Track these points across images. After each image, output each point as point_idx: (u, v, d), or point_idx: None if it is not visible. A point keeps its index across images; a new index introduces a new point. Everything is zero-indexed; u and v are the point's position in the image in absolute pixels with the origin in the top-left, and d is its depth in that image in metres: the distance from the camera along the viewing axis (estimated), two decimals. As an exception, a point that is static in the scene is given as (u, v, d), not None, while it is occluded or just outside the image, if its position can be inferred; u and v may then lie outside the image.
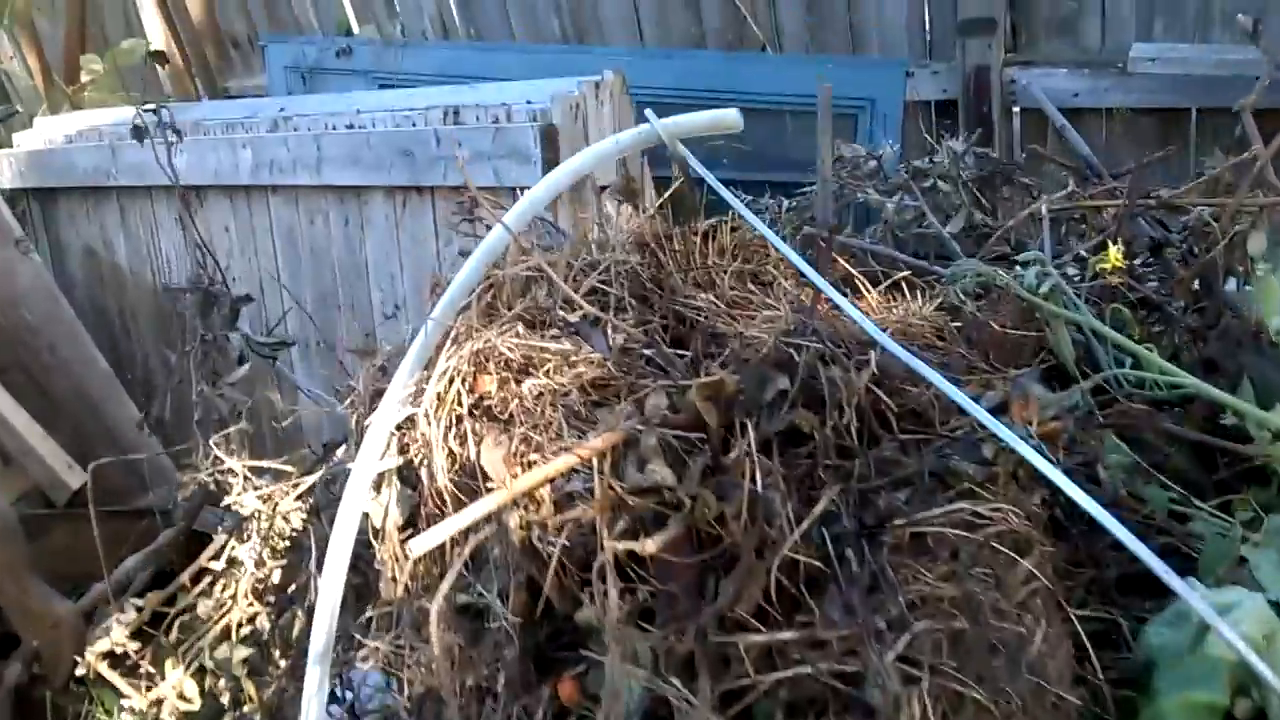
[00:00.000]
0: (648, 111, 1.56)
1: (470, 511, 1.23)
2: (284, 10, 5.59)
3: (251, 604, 1.73)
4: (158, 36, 5.47)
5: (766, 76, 4.41)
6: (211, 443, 1.82)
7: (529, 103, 3.47)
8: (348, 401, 1.69)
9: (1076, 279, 1.70)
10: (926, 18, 4.56)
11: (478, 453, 1.42)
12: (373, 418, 1.52)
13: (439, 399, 1.48)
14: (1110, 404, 1.60)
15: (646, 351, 1.46)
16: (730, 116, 1.56)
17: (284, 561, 1.72)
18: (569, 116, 3.40)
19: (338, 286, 4.00)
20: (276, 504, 1.76)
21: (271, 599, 1.74)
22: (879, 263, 1.85)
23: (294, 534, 1.74)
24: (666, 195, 1.71)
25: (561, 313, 1.52)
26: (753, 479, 1.21)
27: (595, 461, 1.25)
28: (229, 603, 1.75)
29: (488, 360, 1.48)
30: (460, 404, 1.47)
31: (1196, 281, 1.72)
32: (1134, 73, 4.15)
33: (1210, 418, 1.61)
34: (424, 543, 1.27)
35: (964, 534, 1.20)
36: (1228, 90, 4.13)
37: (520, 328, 1.48)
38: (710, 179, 1.51)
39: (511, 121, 3.47)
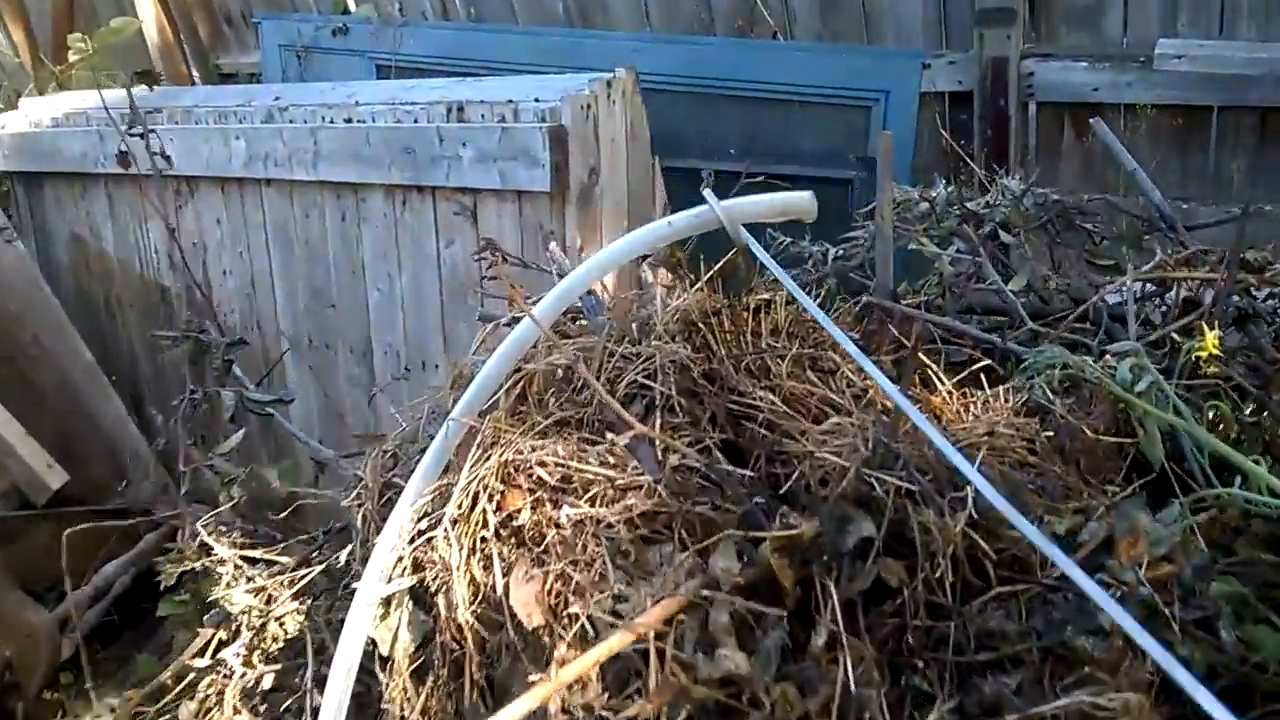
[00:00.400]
0: (707, 192, 1.33)
1: (509, 712, 1.02)
2: (278, -16, 5.30)
3: (238, 710, 1.52)
4: (149, 12, 5.16)
5: (777, 65, 4.16)
6: (200, 525, 1.60)
7: (537, 101, 3.22)
8: (353, 495, 1.47)
9: (1163, 363, 1.49)
10: (943, 6, 4.30)
11: (505, 585, 1.21)
12: (380, 536, 1.30)
13: (461, 515, 1.26)
14: (1199, 508, 1.40)
15: (699, 464, 1.24)
16: (803, 202, 1.33)
17: (276, 666, 1.51)
18: (579, 117, 3.16)
19: (332, 285, 3.77)
20: (271, 599, 1.55)
21: (261, 706, 1.54)
22: (948, 334, 1.63)
23: (289, 637, 1.53)
24: (715, 269, 1.49)
25: (603, 413, 1.30)
26: (842, 667, 1.00)
27: (652, 636, 1.04)
28: (213, 707, 1.54)
29: (518, 473, 1.26)
30: (486, 524, 1.26)
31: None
32: (1158, 69, 3.91)
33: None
34: None
35: (1084, 729, 1.00)
36: (1252, 88, 3.93)
37: (556, 439, 1.26)
38: (779, 272, 1.29)
39: (519, 121, 3.22)
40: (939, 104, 4.35)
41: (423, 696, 1.30)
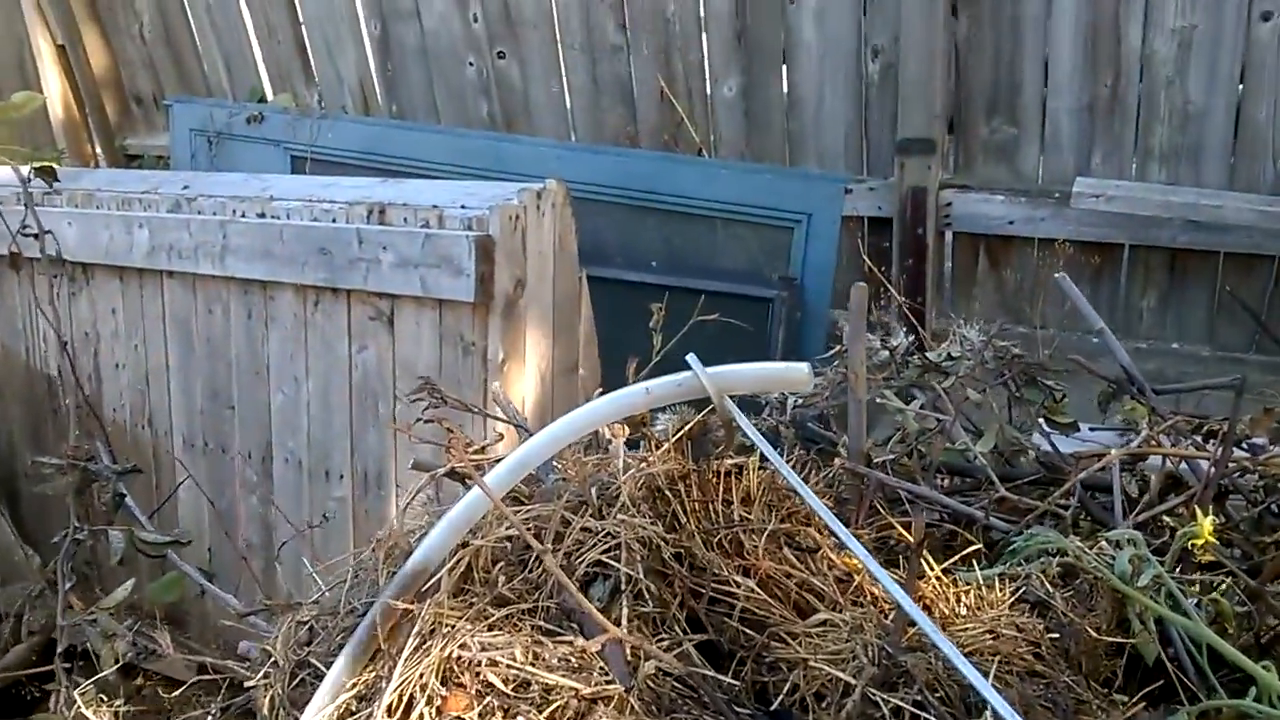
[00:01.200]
0: (691, 358, 1.17)
1: None
2: (193, 70, 5.05)
3: None
4: (54, 87, 4.88)
5: (702, 181, 4.11)
6: (77, 694, 1.35)
7: (464, 208, 3.06)
8: (260, 675, 1.25)
9: (1152, 546, 1.37)
10: (865, 132, 4.31)
11: (445, 810, 1.01)
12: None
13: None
14: (1202, 716, 1.28)
15: (676, 670, 1.07)
16: (798, 375, 1.19)
17: None
18: (508, 228, 3.00)
19: (233, 384, 3.50)
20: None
21: None
22: (924, 502, 1.50)
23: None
24: (686, 430, 1.32)
25: (561, 598, 1.11)
26: None
27: None
28: None
29: (463, 671, 1.07)
30: (422, 732, 1.05)
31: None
32: (1075, 207, 3.95)
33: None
34: None
35: None
36: (1162, 228, 3.99)
37: (507, 629, 1.07)
38: (764, 446, 1.14)
39: (444, 227, 3.05)
40: (859, 228, 4.33)
41: None
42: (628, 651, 1.07)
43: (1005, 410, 1.88)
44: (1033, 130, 4.13)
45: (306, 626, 1.30)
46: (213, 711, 1.41)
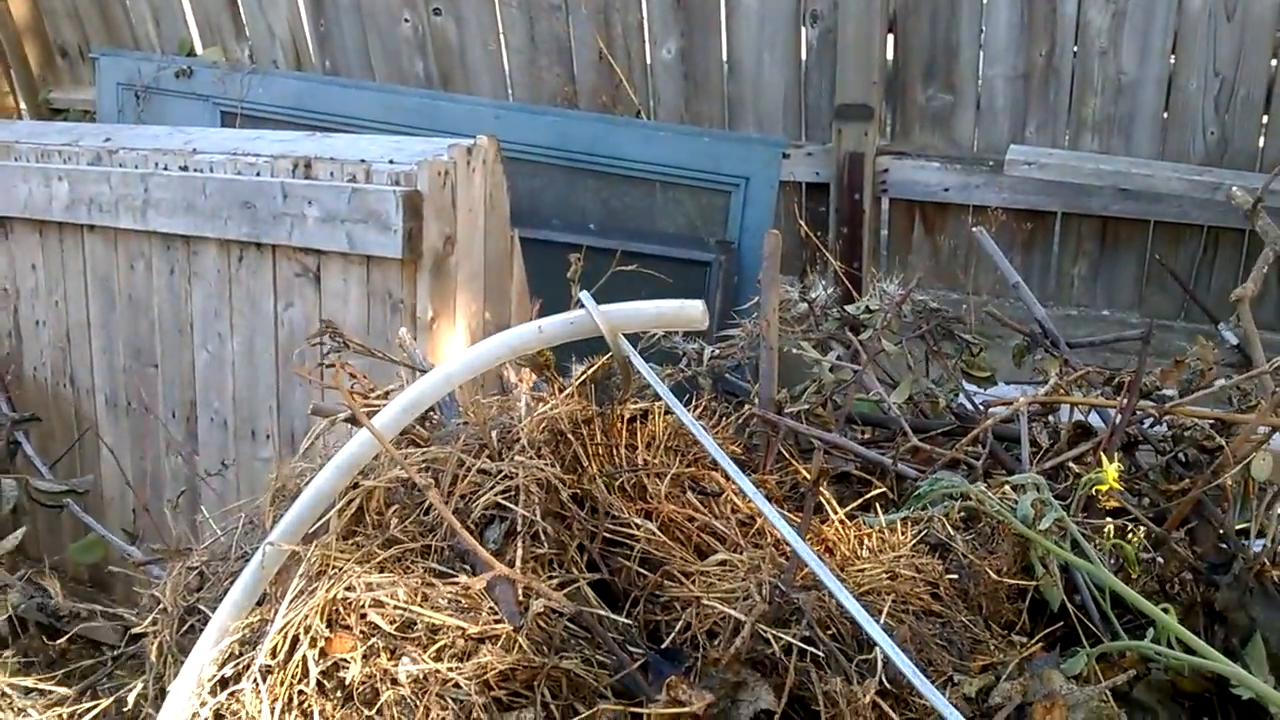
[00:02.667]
0: (584, 296, 1.14)
1: None
2: (120, 22, 4.89)
3: None
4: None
5: (640, 144, 4.07)
6: (-40, 645, 1.31)
7: (392, 163, 3.00)
8: (148, 620, 1.21)
9: (1057, 493, 1.37)
10: (803, 98, 4.29)
11: (327, 749, 0.98)
12: (175, 684, 1.05)
13: (275, 664, 1.03)
14: (1102, 658, 1.28)
15: (567, 609, 1.04)
16: (693, 313, 1.16)
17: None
18: (436, 183, 2.95)
19: (156, 342, 3.42)
20: (43, 736, 1.27)
21: None
22: (833, 450, 1.49)
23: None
24: (588, 372, 1.30)
25: (454, 540, 1.08)
26: None
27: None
28: None
29: (349, 612, 1.04)
30: (305, 674, 1.02)
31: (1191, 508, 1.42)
32: (1008, 174, 3.96)
33: (1214, 679, 1.31)
34: None
35: None
36: (1094, 196, 4.02)
37: (396, 576, 1.04)
38: (669, 396, 1.11)
39: (371, 182, 2.99)
40: (797, 193, 4.32)
41: None
42: (519, 592, 1.04)
43: (923, 364, 1.87)
44: (968, 98, 4.14)
45: (196, 572, 1.26)
46: (105, 658, 1.37)
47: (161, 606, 1.23)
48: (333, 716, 1.00)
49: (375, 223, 2.94)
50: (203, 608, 1.20)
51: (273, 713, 1.01)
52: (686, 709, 0.88)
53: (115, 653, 1.41)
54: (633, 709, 0.92)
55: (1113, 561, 1.33)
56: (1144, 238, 4.04)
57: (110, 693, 1.28)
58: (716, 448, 1.06)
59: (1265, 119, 3.86)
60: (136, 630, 1.23)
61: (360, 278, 3.05)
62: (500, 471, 1.16)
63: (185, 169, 3.25)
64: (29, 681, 1.30)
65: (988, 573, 1.23)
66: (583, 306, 1.13)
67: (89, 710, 1.27)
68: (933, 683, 1.01)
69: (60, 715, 1.28)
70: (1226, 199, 2.93)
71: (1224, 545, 1.42)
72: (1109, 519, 1.39)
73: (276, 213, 3.07)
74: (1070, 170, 3.88)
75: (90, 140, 3.50)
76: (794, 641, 0.96)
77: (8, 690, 1.30)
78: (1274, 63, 3.80)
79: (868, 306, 1.81)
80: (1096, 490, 1.34)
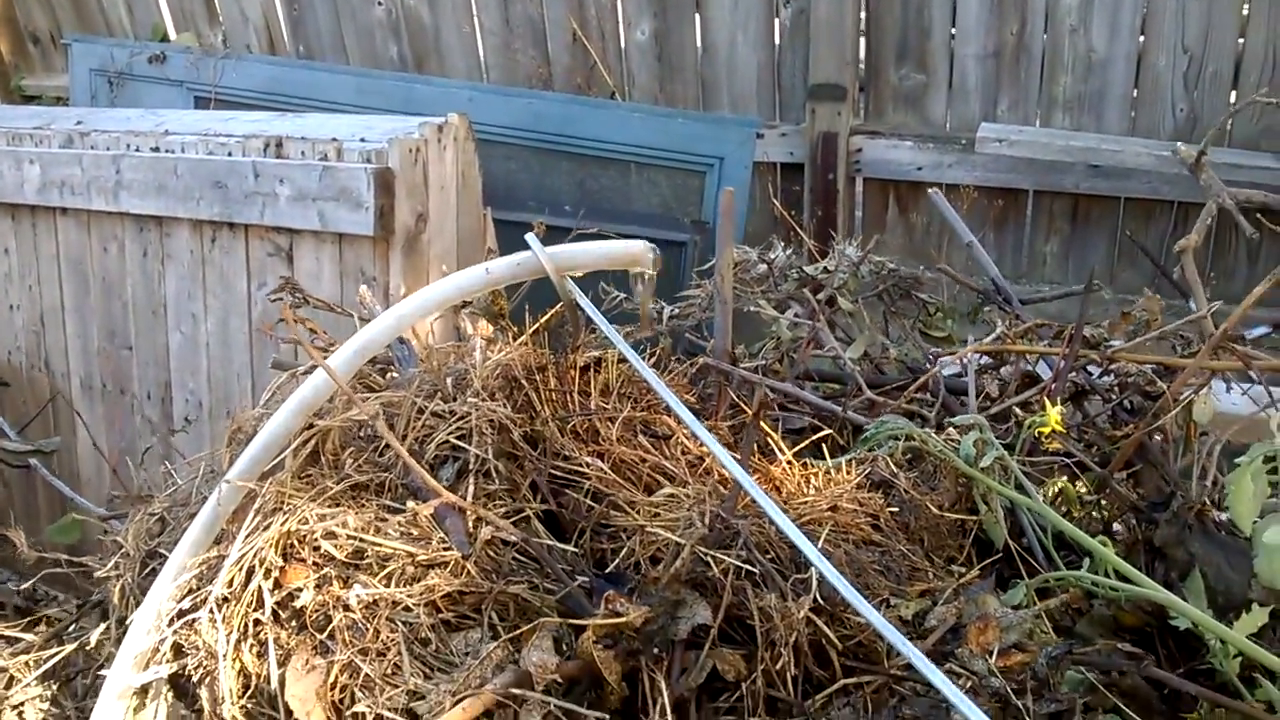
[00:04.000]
0: (530, 237, 1.19)
1: None
2: (93, 8, 4.91)
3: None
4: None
5: (615, 125, 4.10)
6: (-72, 593, 1.34)
7: (363, 141, 3.03)
8: (110, 564, 1.24)
9: (1004, 438, 1.42)
10: (777, 78, 4.33)
11: (281, 676, 1.02)
12: (138, 611, 1.09)
13: (231, 594, 1.07)
14: (1044, 594, 1.33)
15: (515, 537, 1.08)
16: (634, 250, 1.20)
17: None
18: (407, 160, 2.98)
19: (130, 324, 3.44)
20: (12, 680, 1.30)
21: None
22: (786, 400, 1.54)
23: (31, 727, 1.29)
24: (542, 321, 1.34)
25: (407, 477, 1.12)
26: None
27: (451, 741, 0.87)
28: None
29: (302, 545, 1.08)
30: (260, 604, 1.06)
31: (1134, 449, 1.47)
32: (979, 152, 4.02)
33: (1154, 613, 1.35)
34: None
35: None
36: (1065, 174, 4.07)
37: (348, 508, 1.08)
38: (607, 328, 1.15)
39: (342, 160, 3.02)
40: (771, 173, 4.36)
41: (177, 807, 1.09)
42: (468, 522, 1.08)
43: (882, 325, 1.92)
44: (940, 77, 4.19)
45: (157, 518, 1.30)
46: (71, 608, 1.40)
47: (124, 551, 1.27)
48: (287, 643, 1.04)
49: (347, 200, 2.97)
50: (163, 551, 1.24)
51: (229, 641, 1.05)
52: (624, 619, 0.93)
53: (80, 602, 1.44)
54: (575, 623, 0.96)
55: (1056, 503, 1.38)
56: (1115, 214, 4.10)
57: (76, 639, 1.32)
58: (662, 385, 1.10)
59: (1234, 94, 3.92)
60: (100, 574, 1.27)
61: (333, 256, 3.08)
62: (454, 413, 1.20)
63: (157, 150, 3.27)
64: (-4, 628, 1.34)
65: (929, 507, 1.27)
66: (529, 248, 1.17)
67: (55, 655, 1.31)
68: (869, 604, 1.05)
69: (27, 662, 1.32)
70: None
71: (1165, 485, 1.46)
72: (1055, 464, 1.44)
73: (248, 192, 3.10)
74: (1040, 147, 3.94)
75: (62, 123, 3.52)
76: (732, 561, 1.00)
77: (-26, 637, 1.33)
78: (1240, 40, 3.86)
79: (825, 267, 1.86)
80: (1040, 433, 1.39)
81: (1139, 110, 3.99)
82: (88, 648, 1.29)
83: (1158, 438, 1.50)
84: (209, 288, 3.30)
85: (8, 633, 1.35)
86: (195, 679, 1.07)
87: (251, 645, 1.05)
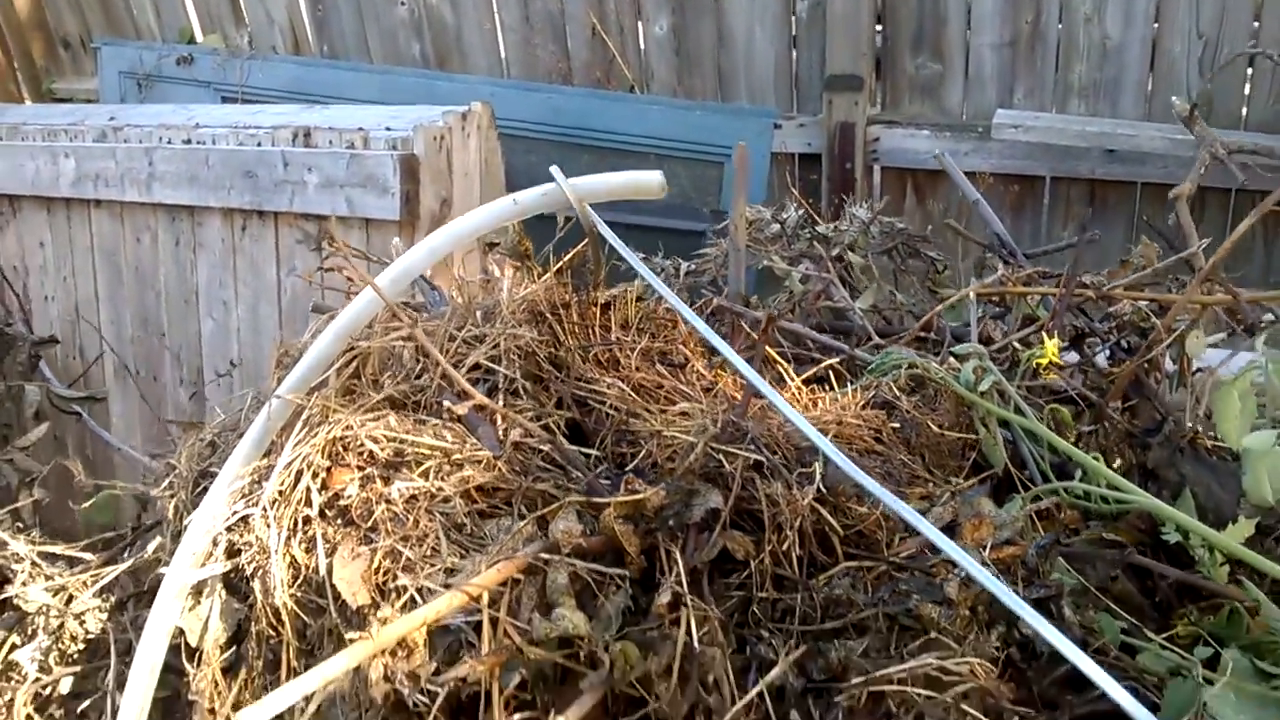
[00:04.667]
0: (554, 169, 1.30)
1: (320, 672, 0.94)
2: (121, 12, 5.09)
3: (30, 717, 1.38)
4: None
5: (634, 118, 4.22)
6: (-7, 524, 1.46)
7: (388, 129, 3.17)
8: (165, 484, 1.36)
9: (1007, 372, 1.51)
10: (794, 70, 4.44)
11: (329, 565, 1.13)
12: (195, 513, 1.21)
13: (282, 495, 1.18)
14: (1042, 514, 1.42)
15: (544, 448, 1.19)
16: (652, 180, 1.32)
17: (76, 669, 1.38)
18: (432, 147, 3.11)
19: (163, 313, 3.59)
20: (71, 597, 1.42)
21: (58, 713, 1.40)
22: (795, 342, 1.64)
23: (90, 637, 1.40)
24: (566, 259, 1.45)
25: (441, 396, 1.24)
26: (685, 628, 0.96)
27: (486, 598, 0.98)
28: (3, 713, 1.40)
29: (347, 450, 1.19)
30: (309, 503, 1.18)
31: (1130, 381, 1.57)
32: (995, 138, 4.11)
33: (1146, 530, 1.45)
34: (256, 714, 0.97)
35: (929, 694, 0.98)
36: (1081, 160, 4.16)
37: (389, 413, 1.20)
38: (626, 252, 1.27)
39: (369, 148, 3.16)
40: (789, 164, 4.46)
41: (235, 689, 1.20)
42: (499, 429, 1.19)
43: (891, 281, 2.02)
44: (957, 66, 4.28)
45: (208, 442, 1.42)
46: (125, 532, 1.52)
47: (177, 471, 1.38)
48: (334, 538, 1.15)
49: (373, 187, 3.10)
50: (214, 470, 1.35)
51: (280, 538, 1.16)
52: (642, 496, 1.03)
53: (134, 526, 1.56)
54: (597, 501, 1.07)
55: (1053, 429, 1.47)
56: (1131, 199, 4.18)
57: (131, 558, 1.44)
58: (672, 294, 1.21)
59: (1249, 76, 3.99)
60: (155, 493, 1.39)
61: (360, 241, 3.21)
62: (484, 339, 1.31)
63: (189, 142, 3.42)
64: (57, 549, 1.45)
65: (929, 425, 1.37)
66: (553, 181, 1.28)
67: (112, 571, 1.42)
68: (870, 506, 1.16)
69: (84, 581, 1.44)
70: (1211, 159, 3.07)
71: (1158, 414, 1.56)
72: (1053, 394, 1.53)
73: (278, 180, 3.23)
74: (1055, 133, 4.03)
75: (95, 119, 3.67)
76: (742, 453, 1.10)
77: (37, 560, 1.45)
78: (1256, 23, 3.94)
79: (837, 226, 1.96)
80: (1038, 364, 1.49)
81: (1154, 96, 4.08)
82: (144, 563, 1.40)
83: (1153, 373, 1.60)
84: (239, 275, 3.44)
85: (68, 553, 1.47)
86: (248, 573, 1.19)
87: (300, 541, 1.17)
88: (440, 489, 1.12)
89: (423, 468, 1.14)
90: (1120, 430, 1.49)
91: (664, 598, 0.97)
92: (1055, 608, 1.15)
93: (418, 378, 1.32)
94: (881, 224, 2.03)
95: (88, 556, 1.48)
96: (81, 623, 1.38)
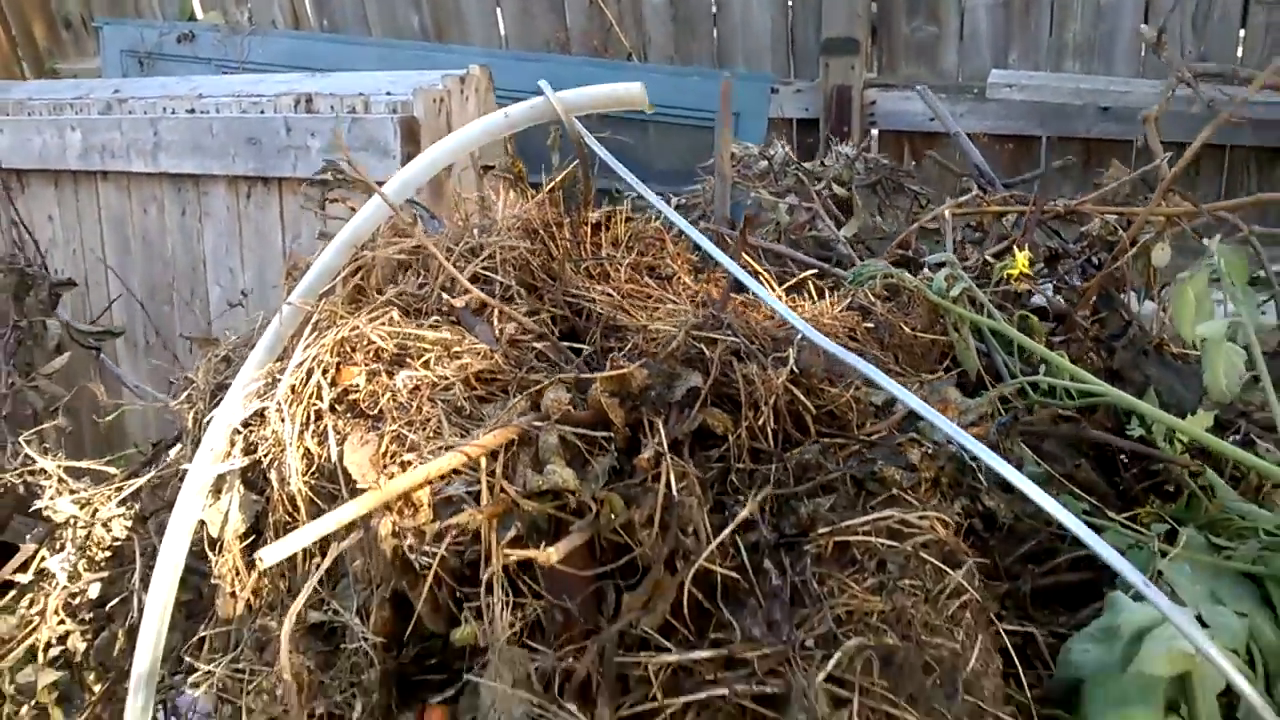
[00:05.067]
0: (542, 82, 1.40)
1: (334, 516, 1.05)
2: (122, -10, 5.22)
3: (63, 621, 1.50)
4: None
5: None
6: (22, 440, 1.57)
7: (389, 94, 3.27)
8: (183, 396, 1.47)
9: (981, 285, 1.61)
10: (790, 35, 4.53)
11: (340, 453, 1.24)
12: (214, 412, 1.32)
13: (294, 392, 1.29)
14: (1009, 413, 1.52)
15: (538, 345, 1.30)
16: (634, 90, 1.42)
17: (103, 574, 1.49)
18: (431, 110, 3.21)
19: (172, 281, 3.70)
20: (96, 509, 1.53)
21: (87, 616, 1.51)
22: (777, 263, 1.74)
23: (115, 544, 1.51)
24: (557, 179, 1.56)
25: (442, 300, 1.34)
26: (665, 482, 1.06)
27: (484, 462, 1.09)
28: (36, 620, 1.51)
29: (354, 350, 1.30)
30: (320, 398, 1.28)
31: (1098, 293, 1.67)
32: (990, 99, 4.20)
33: (1112, 429, 1.55)
34: (277, 552, 1.07)
35: (891, 543, 1.08)
36: (1076, 119, 4.25)
37: (394, 314, 1.30)
38: (609, 158, 1.37)
39: (370, 112, 3.26)
40: (787, 129, 4.55)
41: (254, 575, 1.31)
42: (494, 329, 1.30)
43: (876, 215, 2.12)
44: (951, 28, 4.37)
45: (223, 358, 1.53)
46: (146, 450, 1.63)
47: (194, 384, 1.49)
48: (344, 429, 1.26)
49: (375, 150, 3.20)
50: (230, 383, 1.46)
51: (294, 430, 1.27)
52: (627, 371, 1.13)
53: (155, 443, 1.67)
54: (584, 377, 1.17)
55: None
56: (1127, 158, 4.25)
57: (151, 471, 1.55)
58: (671, 210, 1.31)
59: (1242, 34, 4.08)
60: (174, 405, 1.50)
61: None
62: (481, 250, 1.41)
63: (192, 111, 3.52)
64: (82, 464, 1.56)
65: (902, 326, 1.47)
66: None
67: (135, 482, 1.53)
68: (841, 389, 1.26)
69: (108, 494, 1.55)
70: (1207, 109, 3.15)
71: (1124, 320, 1.66)
72: (1023, 302, 1.63)
73: (281, 146, 3.34)
74: (1050, 91, 4.12)
75: (100, 92, 3.78)
76: (721, 337, 1.21)
77: (62, 475, 1.56)
78: (1248, -23, 4.03)
79: (822, 161, 2.06)
80: (1009, 276, 1.59)
81: (1148, 53, 4.15)
82: (165, 474, 1.51)
83: (1121, 285, 1.69)
84: (245, 242, 3.55)
85: (93, 467, 1.58)
86: (265, 465, 1.29)
87: (313, 434, 1.27)
88: (443, 377, 1.23)
89: (424, 359, 1.25)
90: (1089, 337, 1.59)
91: (646, 454, 1.08)
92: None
93: (420, 287, 1.42)
94: (867, 160, 2.13)
95: (112, 470, 1.59)
96: (108, 529, 1.49)
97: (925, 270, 1.58)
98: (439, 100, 3.25)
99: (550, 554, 0.99)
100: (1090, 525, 1.40)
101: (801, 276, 1.59)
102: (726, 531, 1.04)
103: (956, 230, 1.84)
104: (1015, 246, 1.67)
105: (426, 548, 1.08)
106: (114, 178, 3.72)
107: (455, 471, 1.12)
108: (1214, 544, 1.36)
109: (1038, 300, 1.70)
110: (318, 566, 1.13)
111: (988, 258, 1.69)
